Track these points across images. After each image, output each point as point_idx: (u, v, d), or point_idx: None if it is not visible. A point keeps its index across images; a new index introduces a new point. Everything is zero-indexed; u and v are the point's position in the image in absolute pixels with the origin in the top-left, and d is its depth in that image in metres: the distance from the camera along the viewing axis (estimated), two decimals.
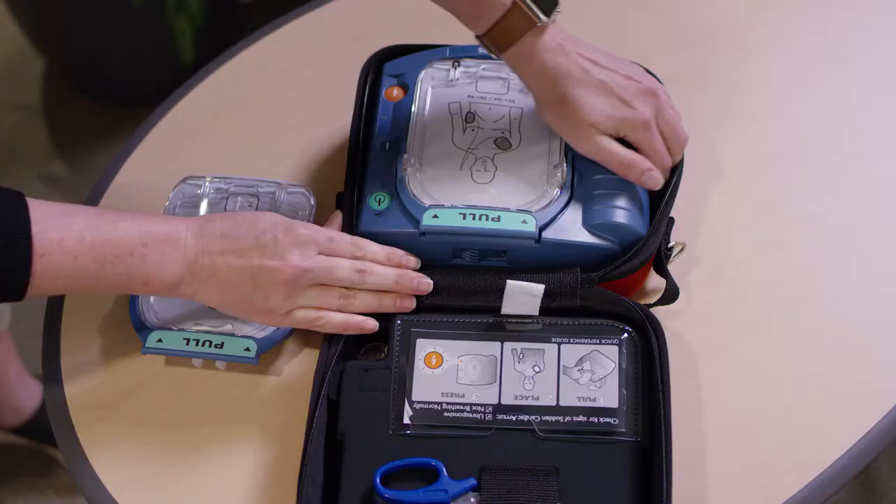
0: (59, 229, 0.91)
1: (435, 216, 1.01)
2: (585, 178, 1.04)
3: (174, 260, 0.96)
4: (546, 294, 1.00)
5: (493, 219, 1.01)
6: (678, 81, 1.13)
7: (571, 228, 1.02)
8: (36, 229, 0.90)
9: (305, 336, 1.06)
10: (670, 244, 1.07)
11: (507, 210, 1.01)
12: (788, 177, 1.20)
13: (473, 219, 1.01)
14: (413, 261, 1.03)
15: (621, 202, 1.03)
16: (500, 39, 1.02)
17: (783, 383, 1.04)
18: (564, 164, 1.05)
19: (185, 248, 0.96)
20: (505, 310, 1.01)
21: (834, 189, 1.18)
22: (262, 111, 1.29)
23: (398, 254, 1.02)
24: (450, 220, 1.01)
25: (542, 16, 1.00)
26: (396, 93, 1.13)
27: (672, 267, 1.08)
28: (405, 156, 1.06)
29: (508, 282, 1.00)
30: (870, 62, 1.30)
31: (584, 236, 1.01)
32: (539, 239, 1.01)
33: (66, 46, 2.41)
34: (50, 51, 2.47)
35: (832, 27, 1.35)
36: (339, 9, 1.40)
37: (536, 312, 1.01)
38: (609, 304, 1.01)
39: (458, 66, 1.13)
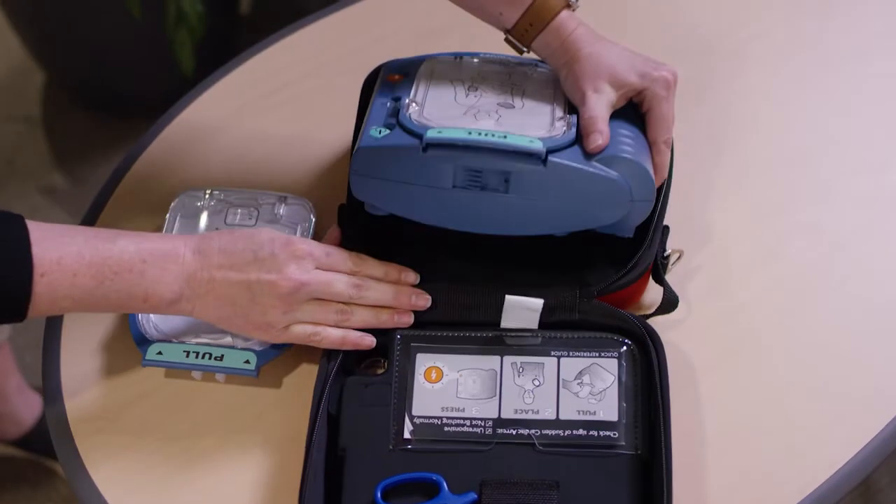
0: (58, 248, 0.91)
1: (439, 132, 0.98)
2: None
3: (173, 276, 0.96)
4: (545, 308, 1.00)
5: (499, 136, 0.98)
6: (678, 90, 1.13)
7: (578, 159, 0.98)
8: (36, 249, 0.90)
9: (305, 349, 1.06)
10: (666, 252, 1.07)
11: (514, 133, 0.99)
12: (787, 186, 1.20)
13: (479, 135, 0.98)
14: (412, 276, 1.03)
15: (627, 140, 1.01)
16: (537, 18, 1.04)
17: (783, 394, 1.04)
18: (569, 116, 1.03)
19: (183, 264, 0.96)
20: (504, 324, 1.01)
21: (833, 199, 1.18)
22: (262, 123, 1.29)
23: (396, 269, 1.03)
24: (455, 133, 0.98)
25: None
26: (397, 77, 1.10)
27: (671, 277, 1.08)
28: (407, 100, 1.04)
29: (507, 297, 1.00)
30: (868, 72, 1.31)
31: (593, 166, 0.98)
32: (545, 160, 0.97)
33: (66, 59, 2.41)
34: (50, 63, 2.47)
35: (830, 38, 1.36)
36: (340, 21, 1.40)
37: (535, 326, 1.01)
38: (608, 318, 1.01)
39: (461, 59, 1.13)
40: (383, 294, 1.01)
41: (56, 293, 0.91)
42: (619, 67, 1.02)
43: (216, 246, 0.98)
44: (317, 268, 0.99)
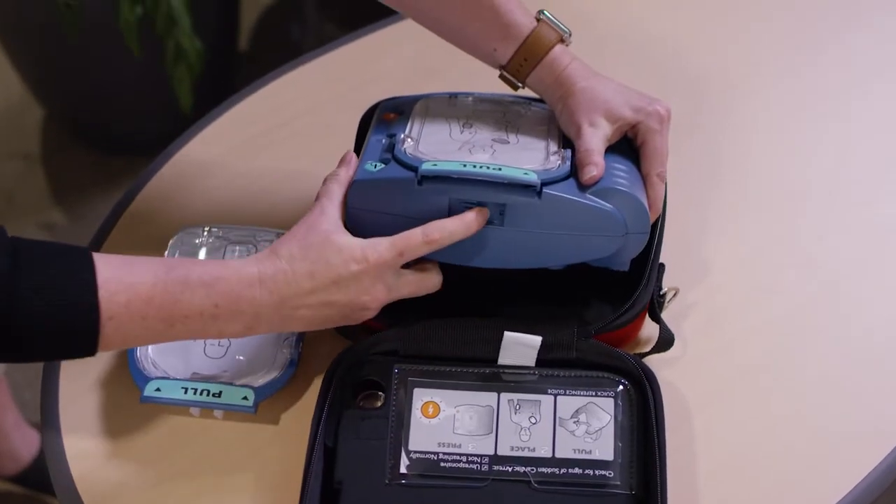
0: (126, 291, 0.89)
1: (434, 164, 0.98)
2: None
3: (248, 316, 0.94)
4: (543, 346, 1.01)
5: (494, 168, 0.98)
6: (672, 127, 1.13)
7: (573, 191, 0.99)
8: (102, 293, 0.88)
9: (303, 384, 1.06)
10: (662, 291, 1.08)
11: (509, 166, 0.99)
12: (782, 221, 1.21)
13: (474, 167, 0.98)
14: (483, 216, 1.00)
15: (621, 174, 1.01)
16: (531, 54, 1.05)
17: (780, 429, 1.04)
18: (563, 151, 1.03)
19: (258, 305, 0.94)
20: (502, 360, 1.01)
21: (828, 234, 1.19)
22: (261, 161, 1.29)
23: (472, 219, 0.99)
24: (450, 166, 0.98)
25: (565, 28, 1.06)
26: (393, 116, 1.11)
27: (667, 314, 1.08)
28: (402, 136, 1.04)
29: (506, 333, 1.01)
30: (862, 107, 1.32)
31: (587, 199, 0.98)
32: (540, 192, 0.97)
33: (65, 96, 2.42)
34: (49, 100, 2.48)
35: (824, 73, 1.37)
36: (338, 59, 1.41)
37: (533, 363, 1.01)
38: (605, 357, 1.01)
39: (456, 98, 1.13)
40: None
41: (125, 334, 0.90)
42: (613, 102, 1.03)
43: (292, 275, 0.95)
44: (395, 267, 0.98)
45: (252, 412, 1.02)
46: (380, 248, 0.96)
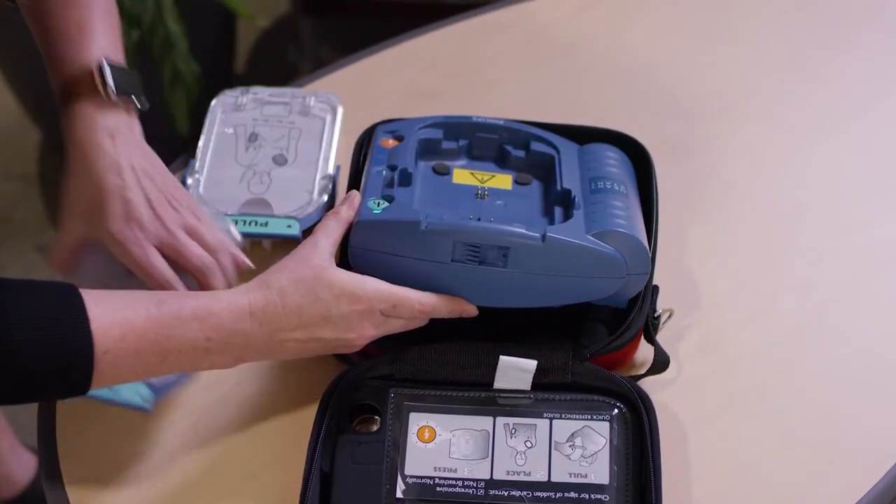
0: (120, 326, 0.89)
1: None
2: (585, 196, 1.05)
3: (238, 348, 0.95)
4: (538, 370, 1.01)
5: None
6: (668, 150, 1.14)
7: (576, 234, 1.00)
8: (95, 327, 0.87)
9: (299, 409, 1.06)
10: (657, 312, 1.08)
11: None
12: (777, 243, 1.21)
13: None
14: (472, 310, 1.02)
15: (619, 213, 1.02)
16: (64, 91, 1.10)
17: (776, 450, 1.04)
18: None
19: (249, 337, 0.95)
20: (497, 384, 1.01)
21: (823, 256, 1.19)
22: None
23: (458, 306, 1.02)
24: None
25: (114, 88, 1.09)
26: (391, 142, 1.11)
27: (662, 336, 1.08)
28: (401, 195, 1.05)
29: (501, 357, 1.01)
30: (856, 129, 1.32)
31: (589, 241, 0.99)
32: (544, 236, 0.98)
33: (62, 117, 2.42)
34: (47, 122, 2.48)
35: (818, 96, 1.37)
36: (334, 83, 1.41)
37: (528, 387, 1.01)
38: (600, 380, 1.01)
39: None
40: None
41: (119, 369, 0.90)
42: (93, 202, 1.10)
43: (281, 311, 0.96)
44: (384, 314, 0.99)
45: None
46: (371, 292, 0.97)
